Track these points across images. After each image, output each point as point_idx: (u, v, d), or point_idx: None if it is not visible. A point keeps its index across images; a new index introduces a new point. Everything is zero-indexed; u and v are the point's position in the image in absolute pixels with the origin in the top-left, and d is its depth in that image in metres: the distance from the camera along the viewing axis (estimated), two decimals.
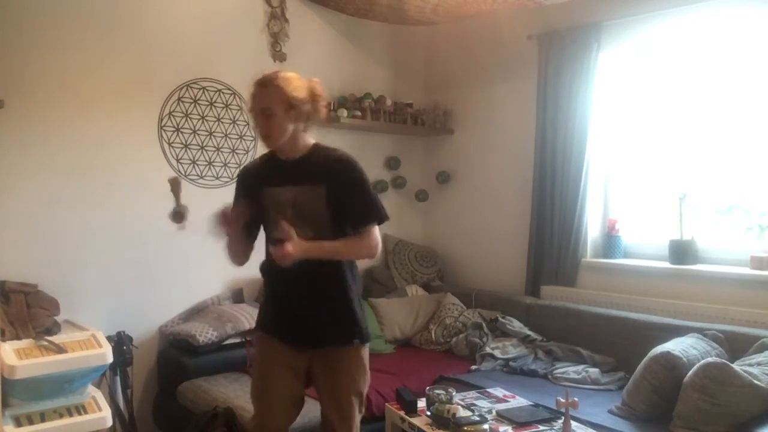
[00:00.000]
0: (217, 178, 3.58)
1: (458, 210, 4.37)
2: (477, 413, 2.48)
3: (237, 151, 3.66)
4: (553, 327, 3.44)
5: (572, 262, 3.58)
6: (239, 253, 2.30)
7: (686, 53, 3.24)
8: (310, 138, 2.24)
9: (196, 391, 3.06)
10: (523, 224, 3.82)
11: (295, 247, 2.03)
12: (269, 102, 2.09)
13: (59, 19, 3.05)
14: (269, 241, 2.21)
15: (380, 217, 2.20)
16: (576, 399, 2.34)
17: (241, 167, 2.37)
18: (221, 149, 3.61)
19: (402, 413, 2.60)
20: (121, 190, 3.25)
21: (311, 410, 2.69)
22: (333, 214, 2.15)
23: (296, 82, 2.13)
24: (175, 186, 3.30)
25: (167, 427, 3.28)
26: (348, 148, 4.14)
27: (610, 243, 3.53)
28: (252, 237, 2.32)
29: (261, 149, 2.49)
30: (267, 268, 2.27)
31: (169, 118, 3.43)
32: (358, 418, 2.28)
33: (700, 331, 2.77)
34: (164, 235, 3.38)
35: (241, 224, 2.17)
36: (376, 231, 2.20)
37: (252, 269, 2.39)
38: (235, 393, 2.94)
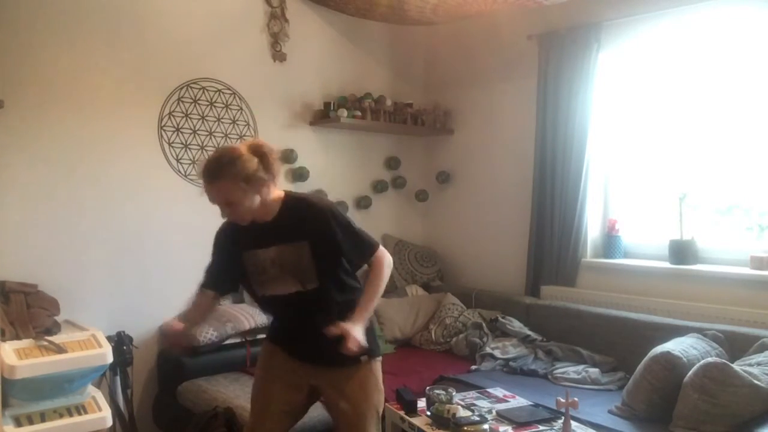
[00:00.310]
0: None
1: (458, 210, 4.37)
2: (477, 413, 2.48)
3: None
4: (553, 327, 3.44)
5: (572, 262, 3.58)
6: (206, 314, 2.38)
7: (686, 53, 3.24)
8: (276, 192, 2.10)
9: (196, 391, 3.06)
10: (523, 224, 3.82)
11: (355, 331, 2.00)
12: (226, 194, 1.98)
13: (59, 20, 3.05)
14: (254, 298, 2.25)
15: (373, 248, 2.17)
16: (576, 399, 2.34)
17: (218, 229, 2.25)
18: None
19: (402, 413, 2.60)
20: (121, 190, 3.25)
21: (312, 410, 2.70)
22: (317, 264, 2.09)
23: (243, 157, 1.98)
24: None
25: (167, 427, 3.28)
26: (348, 148, 4.21)
27: (610, 243, 3.53)
28: (222, 294, 2.31)
29: None
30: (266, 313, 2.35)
31: (169, 118, 3.43)
32: None
33: (700, 331, 2.77)
34: (164, 235, 3.38)
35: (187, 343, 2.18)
36: (381, 252, 2.18)
37: None
38: (235, 393, 2.94)
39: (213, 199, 2.02)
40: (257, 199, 2.02)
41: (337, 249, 2.10)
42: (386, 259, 2.18)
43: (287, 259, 2.09)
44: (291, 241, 2.08)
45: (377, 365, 2.23)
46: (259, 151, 2.02)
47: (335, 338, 2.01)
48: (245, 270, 2.16)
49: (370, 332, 2.19)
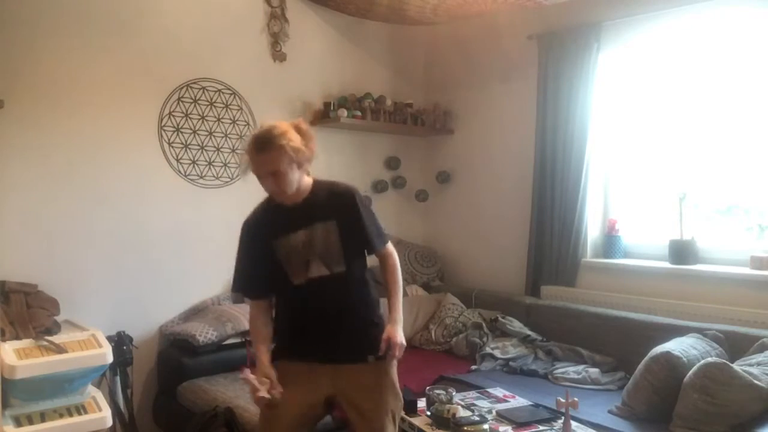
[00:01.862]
0: (217, 178, 3.58)
1: (458, 210, 4.37)
2: (477, 413, 2.48)
3: (237, 151, 3.66)
4: (553, 327, 3.44)
5: (572, 262, 3.58)
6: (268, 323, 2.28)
7: (686, 53, 3.24)
8: (308, 177, 2.22)
9: (196, 391, 3.06)
10: (523, 224, 3.82)
11: (399, 334, 2.18)
12: (276, 164, 2.06)
13: (59, 20, 3.05)
14: (284, 288, 2.22)
15: (387, 237, 2.33)
16: (576, 399, 2.34)
17: (244, 222, 2.27)
18: (221, 149, 3.61)
19: (402, 413, 2.59)
20: (121, 190, 3.25)
21: None
22: (343, 245, 2.18)
23: (290, 132, 2.09)
24: None
25: (167, 427, 3.28)
26: (348, 148, 4.21)
27: (610, 243, 3.53)
28: (270, 297, 2.28)
29: None
30: (282, 315, 2.29)
31: (169, 118, 3.43)
32: None
33: (700, 331, 2.77)
34: (164, 235, 3.38)
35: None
36: (391, 245, 2.34)
37: None
38: (235, 393, 2.94)
39: (260, 170, 2.09)
40: (298, 175, 2.12)
41: (362, 231, 2.21)
42: (395, 252, 2.35)
43: (317, 240, 2.15)
44: (320, 221, 2.16)
45: (394, 369, 2.27)
46: (301, 130, 2.13)
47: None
48: (277, 260, 2.18)
49: (381, 330, 2.22)
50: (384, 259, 2.33)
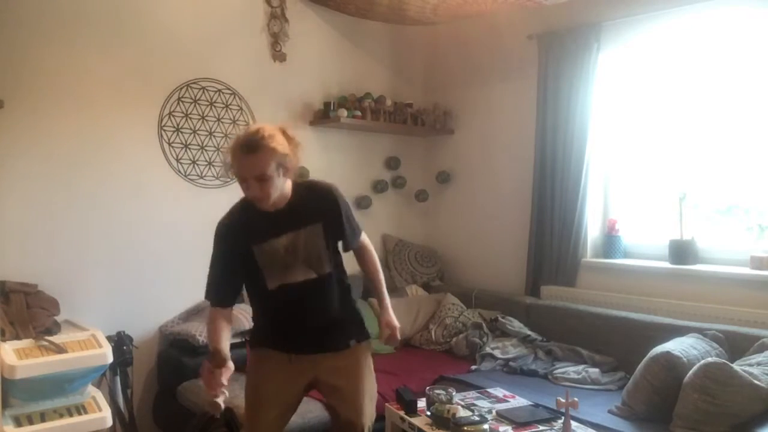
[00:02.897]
0: (217, 178, 3.58)
1: (458, 210, 4.37)
2: (477, 413, 2.48)
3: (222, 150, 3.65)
4: (553, 327, 3.44)
5: (572, 262, 3.58)
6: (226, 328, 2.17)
7: (686, 53, 3.24)
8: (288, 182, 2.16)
9: (196, 391, 3.05)
10: (523, 224, 3.82)
11: (394, 321, 2.29)
12: (263, 167, 1.98)
13: (59, 19, 3.05)
14: (259, 292, 2.21)
15: (361, 230, 2.33)
16: (576, 399, 2.34)
17: (219, 223, 2.19)
18: (221, 149, 3.60)
19: (402, 413, 2.60)
20: (121, 190, 3.25)
21: (310, 410, 2.70)
22: (327, 246, 2.18)
23: (278, 136, 2.03)
24: None
25: (167, 427, 3.27)
26: (348, 148, 4.21)
27: (610, 243, 3.53)
28: (233, 305, 2.21)
29: None
30: (260, 317, 2.31)
31: (169, 118, 3.43)
32: (372, 420, 2.26)
33: (700, 331, 2.77)
34: (164, 235, 3.38)
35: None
36: (364, 235, 2.36)
37: None
38: (235, 393, 2.93)
39: (246, 173, 2.00)
40: (282, 181, 2.06)
41: (341, 230, 2.20)
42: (369, 242, 2.37)
43: (301, 245, 2.13)
44: (305, 225, 2.13)
45: (368, 349, 2.31)
46: (287, 135, 2.07)
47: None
48: (254, 265, 2.14)
49: (358, 318, 2.29)
50: (362, 251, 2.33)
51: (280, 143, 2.01)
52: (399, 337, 2.30)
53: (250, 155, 1.98)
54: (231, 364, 2.03)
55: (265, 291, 2.17)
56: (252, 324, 2.43)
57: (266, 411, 2.21)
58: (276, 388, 2.21)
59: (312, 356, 2.21)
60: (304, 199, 2.15)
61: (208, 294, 2.17)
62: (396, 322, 2.28)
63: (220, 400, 1.94)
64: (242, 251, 2.13)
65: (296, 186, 2.17)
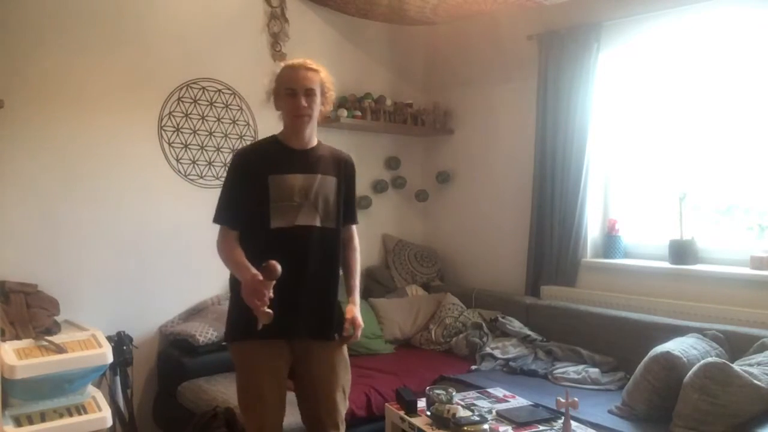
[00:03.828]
0: (217, 178, 3.58)
1: (458, 210, 4.37)
2: (477, 413, 2.48)
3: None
4: (553, 327, 3.44)
5: (572, 262, 3.58)
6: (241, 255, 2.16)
7: (686, 53, 3.24)
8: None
9: (196, 391, 3.06)
10: (523, 224, 3.82)
11: (356, 312, 2.24)
12: (314, 82, 2.17)
13: (59, 20, 3.05)
14: (258, 232, 2.14)
15: (357, 217, 2.41)
16: (576, 399, 2.34)
17: (238, 151, 2.30)
18: (221, 149, 3.61)
19: (402, 413, 2.60)
20: (120, 190, 3.25)
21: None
22: (338, 204, 2.24)
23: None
24: None
25: (167, 427, 3.28)
26: (348, 148, 4.13)
27: (610, 243, 3.53)
28: (241, 228, 2.19)
29: None
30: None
31: (169, 118, 3.43)
32: (344, 413, 2.28)
33: (700, 331, 2.77)
34: (164, 235, 3.38)
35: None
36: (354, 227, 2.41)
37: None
38: (235, 393, 2.94)
39: (299, 84, 2.15)
40: (318, 110, 2.22)
41: (348, 197, 2.30)
42: (358, 241, 2.41)
43: (315, 189, 2.18)
44: (323, 173, 2.22)
45: (344, 345, 2.30)
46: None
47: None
48: (265, 196, 2.13)
49: (340, 312, 2.26)
50: (350, 239, 2.37)
51: (328, 74, 2.24)
52: (359, 336, 2.25)
53: (307, 70, 2.18)
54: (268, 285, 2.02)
55: (268, 233, 2.12)
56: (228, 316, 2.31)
57: (274, 413, 2.19)
58: (276, 384, 2.20)
59: (296, 340, 2.20)
60: (327, 152, 2.28)
61: (219, 216, 2.21)
62: (361, 321, 2.25)
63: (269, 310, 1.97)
64: (257, 180, 2.15)
65: (320, 142, 2.30)
